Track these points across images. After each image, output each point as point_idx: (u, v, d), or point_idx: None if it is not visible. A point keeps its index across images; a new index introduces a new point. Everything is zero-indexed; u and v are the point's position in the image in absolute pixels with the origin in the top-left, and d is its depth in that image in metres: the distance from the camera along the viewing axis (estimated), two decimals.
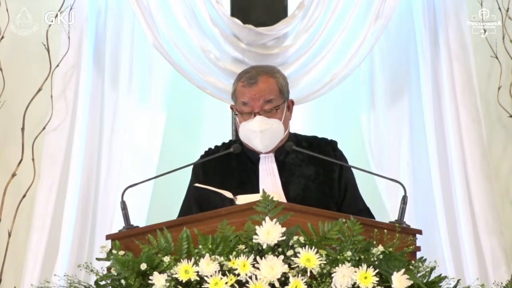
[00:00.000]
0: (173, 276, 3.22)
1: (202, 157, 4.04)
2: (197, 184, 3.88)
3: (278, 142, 3.93)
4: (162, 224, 3.36)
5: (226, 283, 3.18)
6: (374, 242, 3.25)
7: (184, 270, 3.21)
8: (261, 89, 3.90)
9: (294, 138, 4.02)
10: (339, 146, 4.05)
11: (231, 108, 4.04)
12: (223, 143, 4.08)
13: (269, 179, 3.92)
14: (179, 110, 4.73)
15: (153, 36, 4.41)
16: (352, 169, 3.99)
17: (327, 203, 3.84)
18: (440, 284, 3.33)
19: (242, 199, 3.59)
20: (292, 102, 4.03)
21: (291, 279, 3.17)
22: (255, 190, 3.79)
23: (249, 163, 3.97)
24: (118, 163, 4.53)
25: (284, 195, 3.86)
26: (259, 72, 3.94)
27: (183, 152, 4.63)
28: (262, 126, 3.86)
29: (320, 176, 3.95)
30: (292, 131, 4.04)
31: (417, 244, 3.39)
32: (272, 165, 3.95)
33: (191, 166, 3.96)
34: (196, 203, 3.96)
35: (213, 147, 4.07)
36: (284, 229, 3.22)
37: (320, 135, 4.10)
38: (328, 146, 4.02)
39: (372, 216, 3.96)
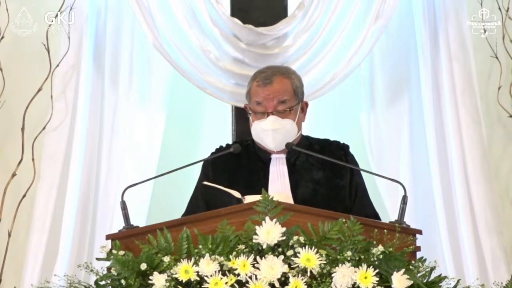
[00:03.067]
0: (173, 276, 3.22)
1: (212, 154, 4.03)
2: (205, 182, 3.86)
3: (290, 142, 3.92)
4: (162, 224, 3.35)
5: (226, 283, 3.18)
6: (374, 242, 3.25)
7: (184, 270, 3.21)
8: (276, 89, 3.89)
9: (306, 141, 4.01)
10: (351, 150, 4.05)
11: (245, 107, 4.03)
12: (234, 142, 4.08)
13: (279, 181, 3.91)
14: (179, 110, 4.73)
15: (153, 36, 4.41)
16: None
17: (335, 208, 3.77)
18: (440, 284, 3.33)
19: (250, 199, 3.57)
20: (306, 104, 4.02)
21: (291, 279, 3.17)
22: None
23: (260, 164, 3.96)
24: (118, 163, 4.53)
25: (292, 198, 3.84)
26: (274, 73, 3.93)
27: (183, 152, 4.63)
28: (275, 125, 3.86)
29: (329, 181, 3.93)
30: (304, 133, 4.04)
31: (417, 244, 3.39)
32: (282, 167, 3.94)
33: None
34: (203, 200, 3.95)
35: (224, 145, 4.06)
36: (284, 229, 3.22)
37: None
38: (340, 150, 4.01)
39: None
